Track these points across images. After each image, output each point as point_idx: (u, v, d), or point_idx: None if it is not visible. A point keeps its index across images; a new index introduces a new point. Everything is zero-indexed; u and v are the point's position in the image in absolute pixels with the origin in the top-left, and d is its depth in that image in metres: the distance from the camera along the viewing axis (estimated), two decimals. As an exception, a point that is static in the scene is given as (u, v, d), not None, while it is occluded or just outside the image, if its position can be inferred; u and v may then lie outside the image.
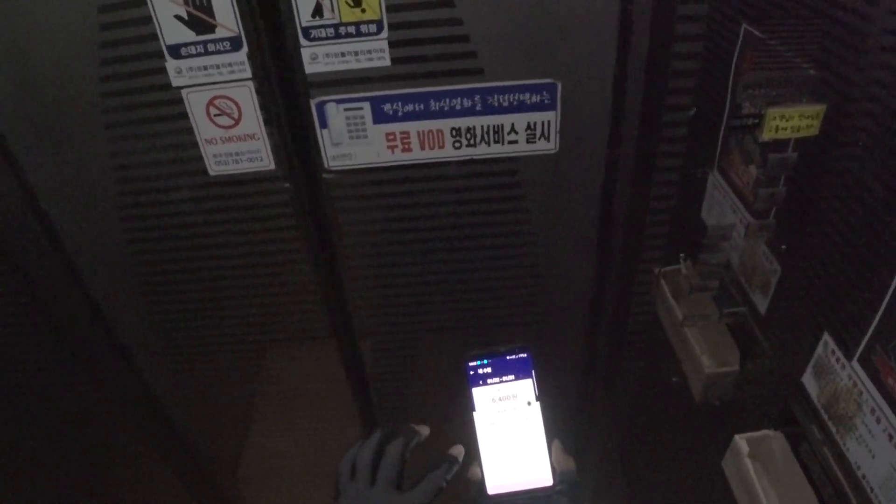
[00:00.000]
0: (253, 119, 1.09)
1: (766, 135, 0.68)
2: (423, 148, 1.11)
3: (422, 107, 1.04)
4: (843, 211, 0.73)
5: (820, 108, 0.67)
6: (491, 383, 0.66)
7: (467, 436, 0.66)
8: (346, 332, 1.36)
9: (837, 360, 0.82)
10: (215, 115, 1.09)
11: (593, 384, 1.37)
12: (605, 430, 1.42)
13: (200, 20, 0.99)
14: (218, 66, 1.04)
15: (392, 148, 1.10)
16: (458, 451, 0.66)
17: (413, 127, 1.08)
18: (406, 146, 1.10)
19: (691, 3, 0.81)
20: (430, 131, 1.08)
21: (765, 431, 1.05)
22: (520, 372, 0.67)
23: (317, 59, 0.94)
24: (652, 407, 1.41)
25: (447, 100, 1.04)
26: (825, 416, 0.88)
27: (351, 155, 1.06)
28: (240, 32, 1.00)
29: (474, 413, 0.66)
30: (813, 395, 0.91)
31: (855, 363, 0.78)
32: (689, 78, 0.87)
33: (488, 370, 0.67)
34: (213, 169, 1.15)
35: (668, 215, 1.03)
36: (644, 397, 1.41)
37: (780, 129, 0.67)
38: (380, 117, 1.06)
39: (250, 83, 1.05)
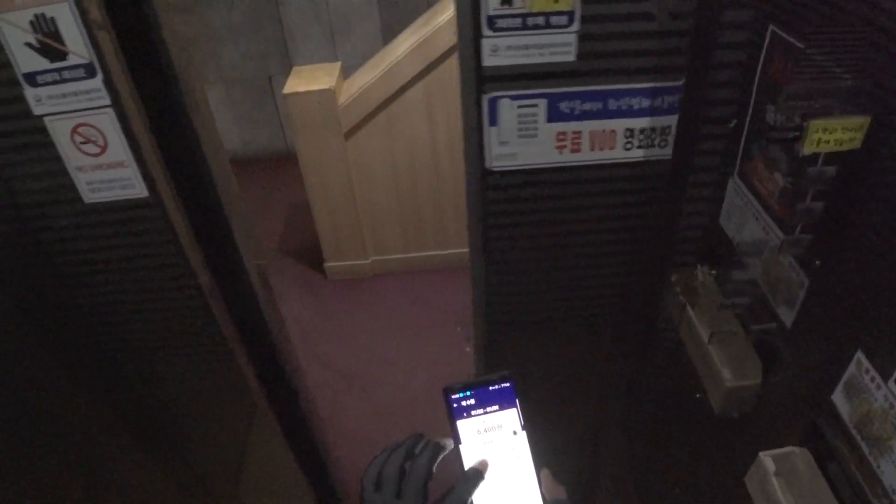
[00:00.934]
0: (119, 146, 1.09)
1: (808, 148, 0.66)
2: (592, 149, 1.06)
3: (600, 106, 0.99)
4: (883, 226, 0.71)
5: (863, 121, 0.65)
6: (475, 415, 0.66)
7: (455, 468, 0.66)
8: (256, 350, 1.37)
9: (872, 379, 0.80)
10: (81, 143, 1.09)
11: (612, 394, 1.35)
12: (620, 444, 1.40)
13: (51, 47, 0.98)
14: (76, 94, 1.03)
15: (560, 148, 1.05)
16: (483, 465, 0.65)
17: (587, 126, 1.03)
18: (576, 146, 1.05)
19: (736, 8, 0.77)
20: (604, 131, 1.03)
21: (790, 448, 1.03)
22: (504, 401, 0.66)
23: (497, 51, 0.87)
24: (669, 419, 1.39)
25: (627, 99, 0.99)
26: (857, 436, 0.86)
27: (516, 154, 0.99)
28: (92, 59, 0.99)
29: (460, 446, 0.65)
30: (844, 413, 0.89)
31: (892, 384, 0.76)
32: (732, 89, 0.84)
33: (472, 401, 0.66)
34: (88, 197, 1.15)
35: (701, 230, 1.00)
36: (660, 409, 1.39)
37: (822, 143, 0.65)
38: (554, 115, 1.01)
39: (110, 110, 1.04)
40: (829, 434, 0.93)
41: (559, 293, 1.32)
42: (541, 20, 0.86)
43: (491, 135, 0.93)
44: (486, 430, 0.66)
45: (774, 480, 1.05)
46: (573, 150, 1.02)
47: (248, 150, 4.49)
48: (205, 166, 1.07)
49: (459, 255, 3.28)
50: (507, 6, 0.83)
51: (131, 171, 1.11)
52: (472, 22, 0.83)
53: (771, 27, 0.86)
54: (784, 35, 0.82)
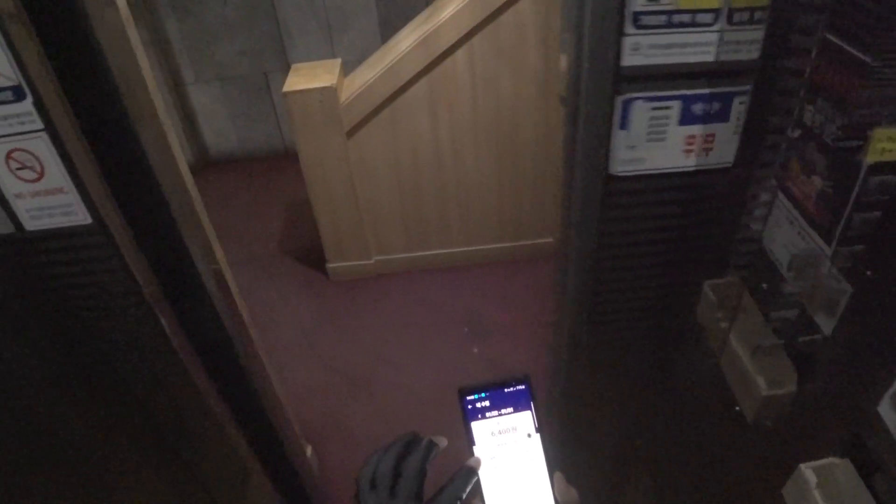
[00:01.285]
0: (56, 172, 1.03)
1: (871, 157, 0.63)
2: (717, 151, 1.01)
3: (727, 107, 0.94)
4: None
5: (928, 129, 0.62)
6: (490, 416, 0.66)
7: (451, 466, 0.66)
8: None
9: (925, 392, 0.78)
10: (17, 169, 1.03)
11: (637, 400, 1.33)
12: (645, 451, 1.38)
13: (-25, 69, 0.92)
14: (6, 118, 0.97)
15: (688, 152, 1.01)
16: (476, 462, 0.65)
17: (718, 129, 0.98)
18: (704, 149, 1.00)
19: (809, 13, 0.73)
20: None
21: (830, 459, 1.01)
22: (518, 404, 0.67)
23: (638, 50, 0.81)
24: (697, 428, 1.36)
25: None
26: (906, 449, 0.83)
27: (644, 159, 0.94)
28: (19, 81, 0.93)
29: (474, 447, 0.65)
30: (891, 426, 0.87)
31: (948, 398, 0.73)
32: (795, 97, 0.81)
33: (486, 403, 0.67)
34: (29, 224, 1.09)
35: (755, 244, 0.97)
36: (688, 417, 1.37)
37: (886, 152, 0.62)
38: (686, 118, 0.96)
39: (43, 134, 0.98)
40: (876, 446, 0.91)
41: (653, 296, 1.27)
42: (686, 18, 0.82)
43: (619, 139, 0.87)
44: (500, 433, 0.66)
45: (817, 495, 1.02)
46: (699, 154, 0.98)
47: (246, 149, 4.44)
48: (154, 184, 0.99)
49: (463, 253, 3.24)
50: (653, 3, 0.78)
51: (72, 198, 1.04)
52: (615, 19, 0.77)
53: (825, 34, 0.83)
54: (844, 45, 0.78)
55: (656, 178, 0.97)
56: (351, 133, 2.76)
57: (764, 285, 0.94)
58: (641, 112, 0.82)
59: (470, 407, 0.67)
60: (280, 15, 3.86)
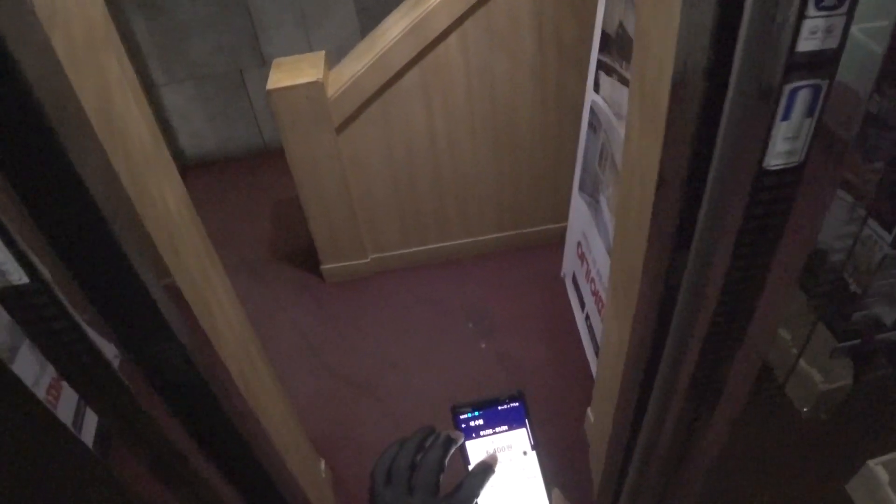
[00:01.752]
0: None
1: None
2: None
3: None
4: None
5: None
6: (484, 435, 0.66)
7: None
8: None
9: None
10: None
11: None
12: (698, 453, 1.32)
13: None
14: None
15: None
16: (493, 459, 0.64)
17: None
18: None
19: None
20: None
21: (902, 454, 0.96)
22: (513, 421, 0.66)
23: (816, 34, 0.71)
24: (750, 422, 1.31)
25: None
26: None
27: (796, 151, 0.86)
28: None
29: (469, 467, 0.65)
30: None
31: None
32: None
33: (480, 422, 0.66)
34: None
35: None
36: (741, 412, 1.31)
37: None
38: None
39: None
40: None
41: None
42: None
43: (779, 130, 0.78)
44: (494, 451, 0.66)
45: (890, 492, 0.98)
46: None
47: (225, 149, 4.30)
48: (100, 224, 0.83)
49: (462, 245, 3.17)
50: None
51: (2, 256, 0.82)
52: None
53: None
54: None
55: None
56: (341, 129, 2.66)
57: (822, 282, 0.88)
58: (806, 101, 0.74)
59: (463, 426, 0.66)
60: (253, 8, 3.73)
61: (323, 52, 2.73)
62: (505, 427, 0.66)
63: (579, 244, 2.55)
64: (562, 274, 2.87)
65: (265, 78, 2.59)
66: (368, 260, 3.16)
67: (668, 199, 0.95)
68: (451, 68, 2.54)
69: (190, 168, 4.33)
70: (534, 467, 0.65)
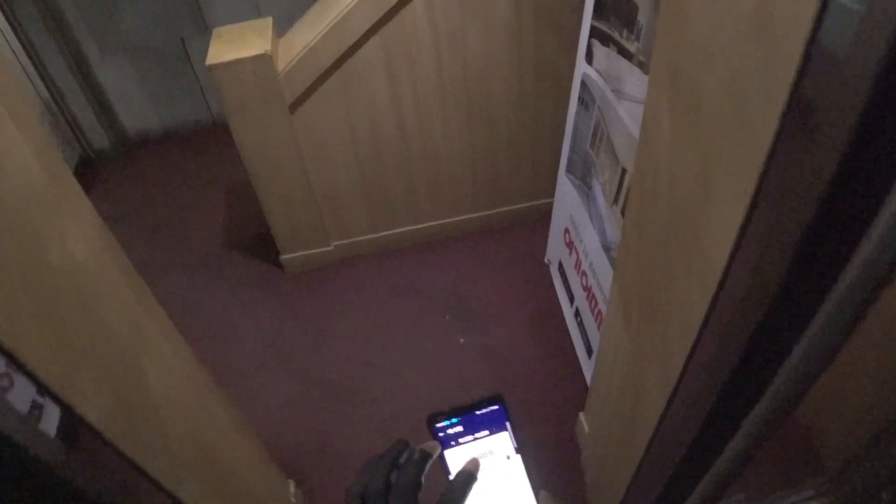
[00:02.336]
0: None
1: None
2: None
3: None
4: None
5: None
6: (464, 443, 0.63)
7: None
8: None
9: None
10: None
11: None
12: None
13: None
14: None
15: None
16: (475, 464, 0.61)
17: None
18: None
19: None
20: None
21: None
22: (493, 425, 0.63)
23: None
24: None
25: None
26: None
27: None
28: None
29: (449, 477, 0.61)
30: None
31: None
32: None
33: (459, 429, 0.63)
34: None
35: None
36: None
37: None
38: None
39: None
40: None
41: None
42: None
43: None
44: (476, 457, 0.62)
45: None
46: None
47: (169, 127, 3.95)
48: None
49: (435, 228, 2.93)
50: None
51: None
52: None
53: None
54: None
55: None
56: (295, 107, 2.37)
57: None
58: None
59: (441, 435, 0.63)
60: None
61: (270, 20, 2.42)
62: (486, 432, 0.63)
63: (567, 231, 2.33)
64: (546, 259, 2.66)
65: (204, 40, 2.27)
66: (331, 247, 2.90)
67: (779, 227, 0.67)
68: (417, 35, 2.26)
69: (133, 148, 3.97)
70: (519, 471, 0.63)
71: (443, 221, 2.92)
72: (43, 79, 3.46)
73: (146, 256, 3.20)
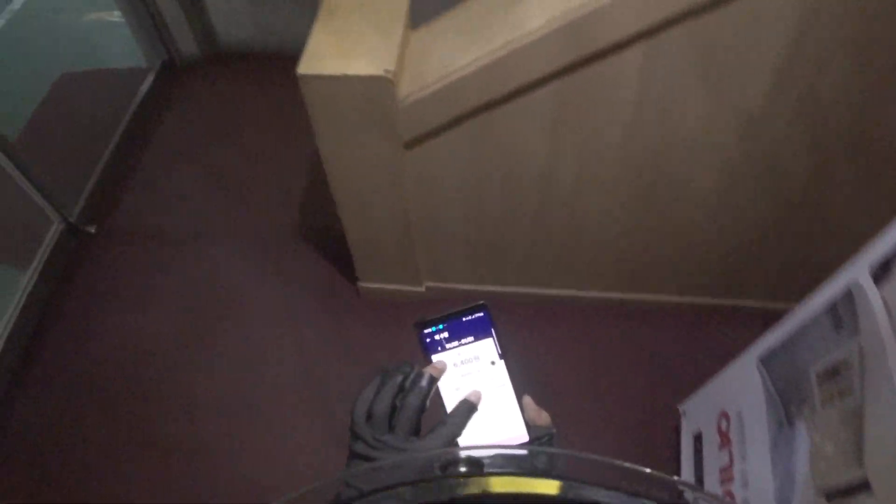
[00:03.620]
0: None
1: None
2: None
3: None
4: None
5: None
6: (450, 348, 0.64)
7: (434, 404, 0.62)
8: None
9: None
10: None
11: None
12: None
13: None
14: None
15: None
16: (476, 396, 0.63)
17: None
18: None
19: None
20: None
21: None
22: (479, 332, 0.64)
23: None
24: None
25: None
26: None
27: None
28: None
29: (438, 382, 0.62)
30: None
31: None
32: None
33: (445, 335, 0.64)
34: None
35: None
36: None
37: None
38: None
39: None
40: None
41: None
42: None
43: None
44: (462, 363, 0.64)
45: None
46: None
47: (265, 39, 3.24)
48: None
49: (550, 296, 2.25)
50: None
51: None
52: None
53: None
54: None
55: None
56: (412, 144, 1.66)
57: None
58: None
59: (428, 340, 0.64)
60: None
61: (405, 8, 1.65)
62: (471, 338, 0.64)
63: (725, 417, 1.62)
64: (681, 408, 1.94)
65: None
66: (423, 288, 2.27)
67: None
68: (613, 93, 1.48)
69: (223, 55, 3.33)
70: (503, 376, 0.64)
71: (560, 292, 2.23)
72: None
73: (198, 212, 2.69)
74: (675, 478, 0.42)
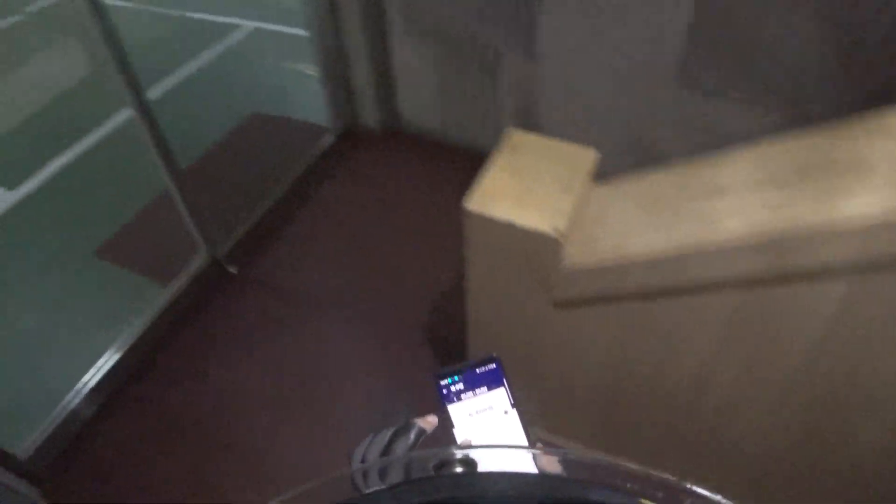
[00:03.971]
0: None
1: None
2: None
3: None
4: None
5: None
6: (465, 398, 0.66)
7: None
8: None
9: None
10: None
11: None
12: None
13: None
14: None
15: None
16: (429, 423, 0.67)
17: None
18: None
19: None
20: None
21: None
22: (492, 382, 0.67)
23: None
24: None
25: None
26: None
27: None
28: None
29: (453, 430, 0.65)
30: None
31: None
32: None
33: (460, 386, 0.67)
34: None
35: None
36: None
37: None
38: None
39: None
40: None
41: None
42: None
43: None
44: (477, 412, 0.66)
45: None
46: None
47: (448, 131, 3.29)
48: None
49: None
50: None
51: None
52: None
53: None
54: None
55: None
56: (562, 306, 1.55)
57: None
58: None
59: (445, 391, 0.66)
60: None
61: (592, 156, 1.57)
62: (484, 388, 0.66)
63: None
64: None
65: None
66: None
67: None
68: (800, 321, 1.29)
69: (405, 134, 3.42)
70: (516, 425, 0.65)
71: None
72: (338, 34, 2.98)
73: (333, 279, 2.71)
74: (676, 479, 0.42)
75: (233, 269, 2.77)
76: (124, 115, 3.67)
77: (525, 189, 1.47)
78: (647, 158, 2.11)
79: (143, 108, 2.18)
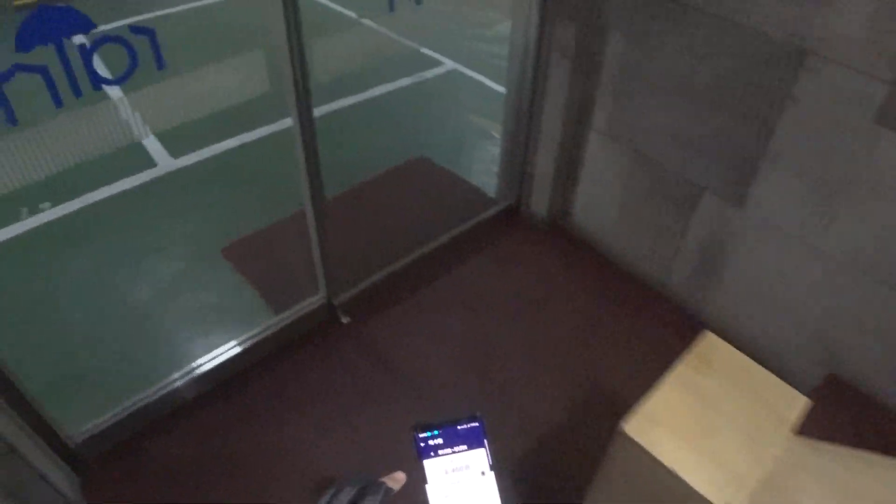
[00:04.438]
0: None
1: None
2: None
3: None
4: None
5: None
6: (443, 454, 0.65)
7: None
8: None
9: None
10: None
11: None
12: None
13: None
14: None
15: None
16: (396, 479, 0.67)
17: None
18: None
19: None
20: None
21: None
22: (472, 442, 0.65)
23: None
24: None
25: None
26: None
27: None
28: None
29: (426, 486, 0.63)
30: None
31: None
32: None
33: (439, 441, 0.65)
34: None
35: None
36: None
37: None
38: None
39: None
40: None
41: None
42: None
43: None
44: (453, 470, 0.64)
45: None
46: None
47: (622, 255, 2.92)
48: None
49: None
50: None
51: None
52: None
53: None
54: None
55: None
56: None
57: None
58: None
59: (423, 444, 0.64)
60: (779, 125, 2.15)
61: (799, 406, 1.21)
62: (464, 447, 0.64)
63: None
64: None
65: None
66: None
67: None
68: None
69: (564, 234, 3.12)
70: (491, 487, 0.64)
71: None
72: (535, 103, 2.77)
73: (430, 360, 2.49)
74: None
75: (345, 320, 2.61)
76: (286, 122, 3.65)
77: (705, 429, 1.14)
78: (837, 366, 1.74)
79: (305, 120, 2.02)
